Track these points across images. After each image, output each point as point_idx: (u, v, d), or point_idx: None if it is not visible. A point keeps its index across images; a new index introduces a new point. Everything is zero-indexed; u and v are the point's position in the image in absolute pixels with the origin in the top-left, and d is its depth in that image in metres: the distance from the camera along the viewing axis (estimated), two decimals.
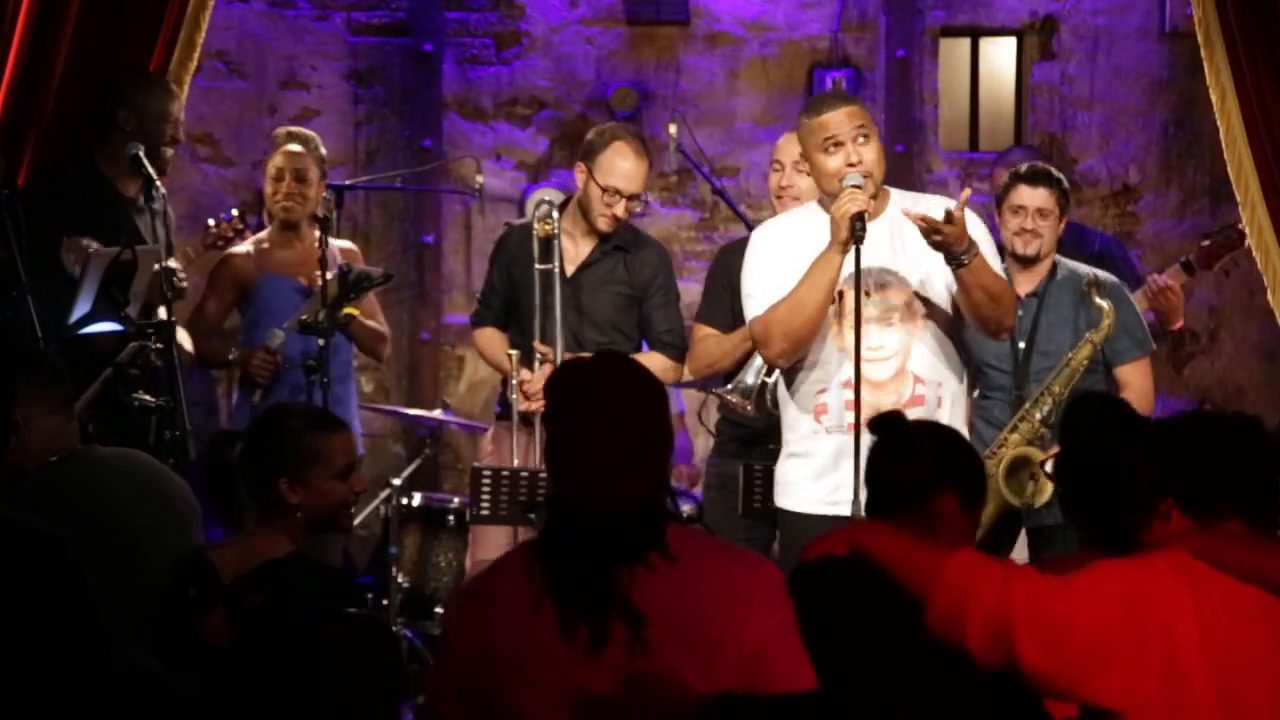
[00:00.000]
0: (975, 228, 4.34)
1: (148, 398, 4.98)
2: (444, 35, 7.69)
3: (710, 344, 5.21)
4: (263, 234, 5.92)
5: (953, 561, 2.83)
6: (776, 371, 5.03)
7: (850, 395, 4.22)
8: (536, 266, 5.25)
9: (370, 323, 5.86)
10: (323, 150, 5.91)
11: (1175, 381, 7.67)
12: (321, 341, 5.37)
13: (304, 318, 5.39)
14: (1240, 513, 2.89)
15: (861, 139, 4.30)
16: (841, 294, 4.30)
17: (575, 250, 5.35)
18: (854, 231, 4.14)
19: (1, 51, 5.32)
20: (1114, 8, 7.71)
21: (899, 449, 3.21)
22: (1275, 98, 5.53)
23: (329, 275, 5.40)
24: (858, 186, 4.22)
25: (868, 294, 4.26)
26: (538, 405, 5.14)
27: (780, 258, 4.40)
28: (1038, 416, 5.03)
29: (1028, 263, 5.26)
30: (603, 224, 5.27)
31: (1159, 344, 5.69)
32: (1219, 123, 5.64)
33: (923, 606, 2.83)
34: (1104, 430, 3.40)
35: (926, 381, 4.35)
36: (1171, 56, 7.69)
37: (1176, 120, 7.74)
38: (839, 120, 4.30)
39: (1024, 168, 5.39)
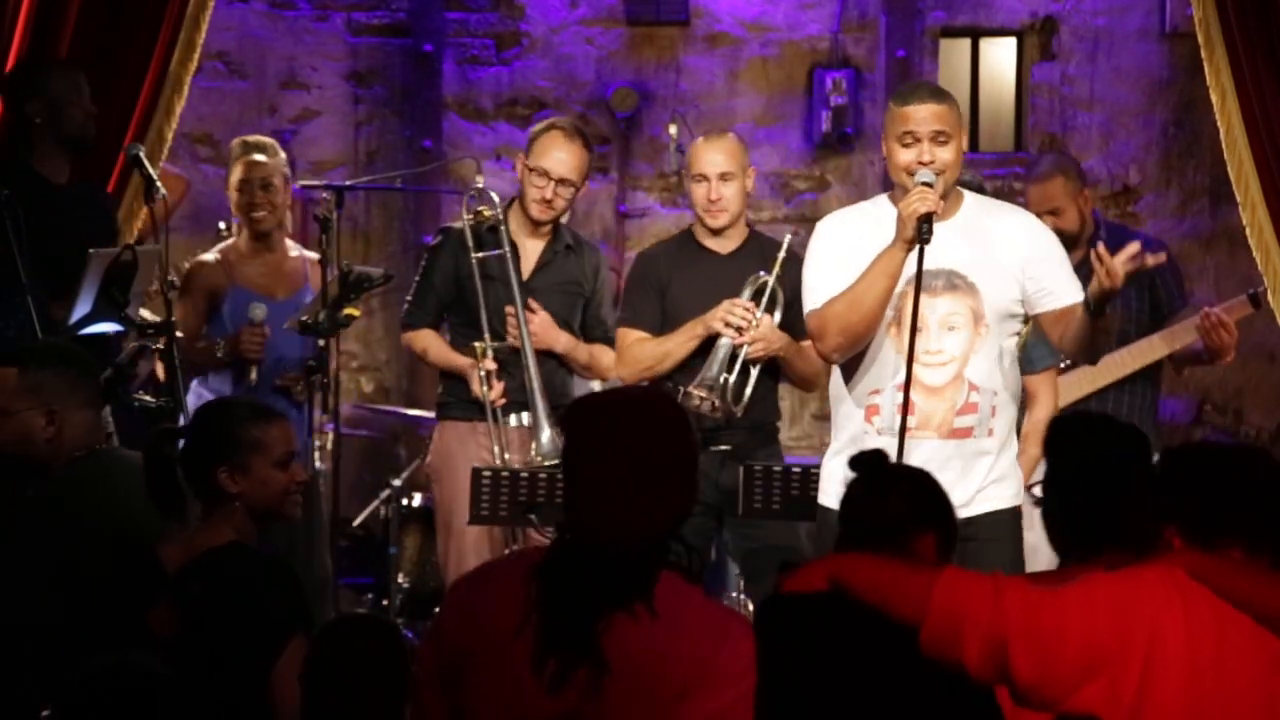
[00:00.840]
0: (1047, 246, 4.37)
1: (148, 398, 4.98)
2: (444, 36, 7.69)
3: (648, 347, 5.17)
4: (231, 243, 5.83)
5: (941, 582, 2.82)
6: (737, 366, 5.04)
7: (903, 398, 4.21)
8: (474, 255, 5.25)
9: None
10: (283, 154, 5.86)
11: (1175, 382, 7.66)
12: (322, 342, 5.37)
13: (304, 318, 5.38)
14: (1241, 541, 2.89)
15: (941, 139, 4.25)
16: (904, 295, 4.24)
17: (526, 252, 5.35)
18: (919, 232, 4.10)
19: (1, 52, 5.32)
20: (1114, 8, 7.71)
21: (882, 488, 3.20)
22: (1275, 98, 5.52)
23: (328, 276, 5.41)
24: (928, 184, 4.17)
25: (933, 296, 4.23)
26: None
27: (843, 251, 4.33)
28: None
29: None
30: (534, 209, 5.28)
31: (1244, 369, 5.68)
32: (1219, 123, 5.63)
33: (900, 639, 2.82)
34: (1093, 451, 3.34)
35: (982, 390, 4.29)
36: (1172, 57, 7.69)
37: (1177, 121, 7.74)
38: (921, 116, 4.25)
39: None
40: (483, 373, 5.19)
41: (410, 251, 7.67)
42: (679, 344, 5.13)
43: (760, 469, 4.81)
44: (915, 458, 4.12)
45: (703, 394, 4.98)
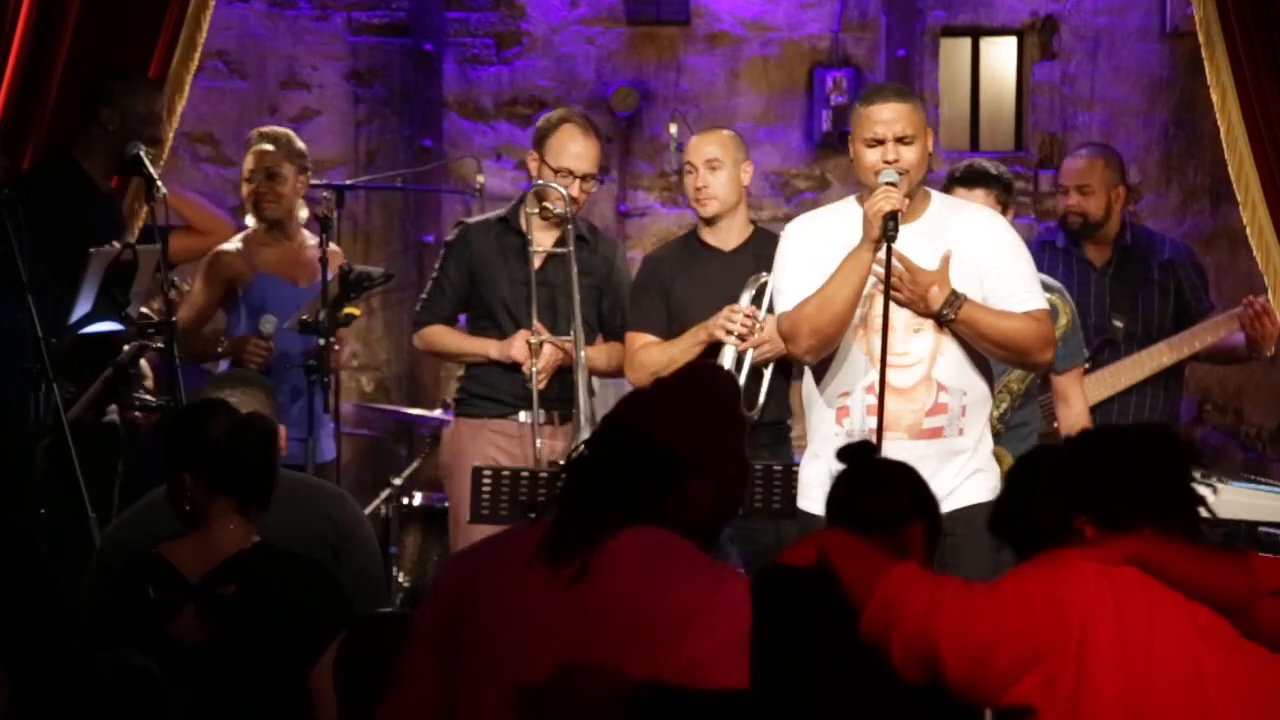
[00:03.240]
0: (1002, 243, 4.36)
1: (148, 398, 4.98)
2: (444, 35, 7.69)
3: (655, 352, 5.16)
4: (248, 232, 5.88)
5: (888, 577, 2.88)
6: (745, 371, 5.03)
7: (872, 400, 4.23)
8: (534, 249, 5.21)
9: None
10: (299, 145, 5.86)
11: None
12: (322, 341, 5.38)
13: (304, 317, 5.39)
14: (1151, 522, 2.92)
15: (906, 139, 4.30)
16: (870, 297, 4.29)
17: (540, 244, 5.30)
18: (885, 230, 4.14)
19: (1, 51, 5.32)
20: (1115, 7, 7.71)
21: (871, 480, 3.25)
22: (1276, 98, 5.52)
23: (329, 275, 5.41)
24: (892, 184, 4.22)
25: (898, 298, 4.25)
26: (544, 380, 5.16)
27: (812, 253, 4.37)
28: (994, 414, 5.03)
29: None
30: (561, 207, 5.23)
31: (1245, 368, 5.68)
32: (1220, 123, 5.63)
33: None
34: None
35: (950, 390, 4.33)
36: (1172, 56, 7.68)
37: (1177, 120, 7.74)
38: (885, 117, 4.31)
39: (959, 169, 5.33)
40: (536, 368, 5.16)
41: (410, 251, 7.67)
42: (683, 350, 5.11)
43: (760, 468, 4.81)
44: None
45: None
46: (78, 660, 2.81)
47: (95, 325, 4.94)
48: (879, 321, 4.21)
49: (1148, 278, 5.69)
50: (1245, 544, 5.26)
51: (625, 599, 2.76)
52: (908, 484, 3.27)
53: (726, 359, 5.02)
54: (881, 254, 4.21)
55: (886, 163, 4.28)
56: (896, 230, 4.15)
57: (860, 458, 3.31)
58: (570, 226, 5.21)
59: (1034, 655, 2.83)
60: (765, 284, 5.06)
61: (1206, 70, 5.64)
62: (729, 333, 5.02)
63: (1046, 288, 5.09)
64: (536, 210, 5.23)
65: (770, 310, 5.03)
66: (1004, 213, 5.18)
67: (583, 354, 5.12)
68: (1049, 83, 7.77)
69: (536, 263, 5.27)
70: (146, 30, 5.52)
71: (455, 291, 5.40)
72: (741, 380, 5.02)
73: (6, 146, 5.23)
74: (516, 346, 5.20)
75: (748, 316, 5.03)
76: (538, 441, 5.15)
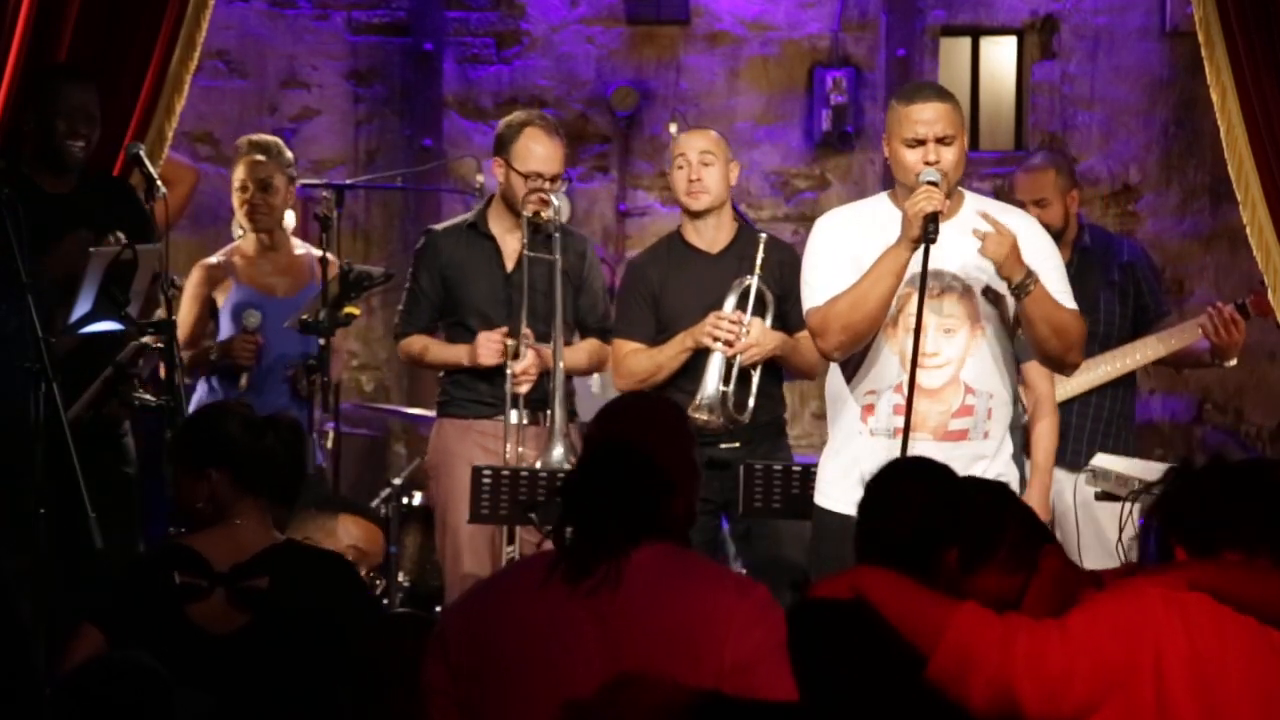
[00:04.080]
0: (1041, 250, 4.34)
1: (148, 398, 4.98)
2: (444, 34, 7.70)
3: (642, 359, 5.14)
4: (237, 244, 5.88)
5: (955, 621, 2.85)
6: (734, 375, 5.00)
7: (899, 400, 4.20)
8: (527, 253, 5.17)
9: None
10: (287, 154, 5.86)
11: (1176, 381, 7.68)
12: (322, 341, 5.37)
13: (304, 317, 5.39)
14: (1237, 548, 2.91)
15: (946, 139, 4.26)
16: (905, 297, 4.25)
17: (510, 247, 5.30)
18: (925, 231, 4.11)
19: (1, 51, 5.32)
20: (1115, 7, 7.72)
21: (897, 503, 3.19)
22: (1276, 97, 5.52)
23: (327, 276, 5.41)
24: (933, 184, 4.18)
25: (932, 298, 4.21)
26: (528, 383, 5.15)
27: (843, 248, 4.34)
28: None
29: None
30: (530, 209, 5.21)
31: (1245, 366, 5.69)
32: (1220, 122, 5.63)
33: (917, 657, 2.85)
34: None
35: (978, 392, 4.30)
36: (1172, 56, 7.69)
37: (1177, 120, 7.75)
38: (927, 117, 4.26)
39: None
40: (512, 373, 5.15)
41: (411, 250, 7.65)
42: (670, 357, 5.09)
43: (760, 468, 4.80)
44: None
45: (704, 416, 4.94)
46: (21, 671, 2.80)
47: (95, 325, 4.93)
48: (911, 321, 4.18)
49: (1108, 279, 5.70)
50: None
51: (656, 610, 2.80)
52: (934, 505, 3.16)
53: (714, 365, 4.98)
54: (918, 255, 4.17)
55: (927, 163, 4.23)
56: (936, 231, 4.11)
57: (886, 483, 3.27)
58: (558, 236, 5.19)
59: (1106, 687, 2.81)
60: (749, 287, 5.03)
61: (1206, 70, 5.64)
62: (716, 340, 4.99)
63: None
64: (531, 215, 5.21)
65: (757, 313, 5.03)
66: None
67: (561, 356, 5.10)
68: (1049, 82, 7.78)
69: (511, 266, 5.27)
70: (146, 30, 5.51)
71: (430, 300, 5.37)
72: (731, 386, 5.00)
73: (7, 146, 5.23)
74: (484, 351, 5.17)
75: (733, 322, 5.00)
76: (508, 444, 5.12)
